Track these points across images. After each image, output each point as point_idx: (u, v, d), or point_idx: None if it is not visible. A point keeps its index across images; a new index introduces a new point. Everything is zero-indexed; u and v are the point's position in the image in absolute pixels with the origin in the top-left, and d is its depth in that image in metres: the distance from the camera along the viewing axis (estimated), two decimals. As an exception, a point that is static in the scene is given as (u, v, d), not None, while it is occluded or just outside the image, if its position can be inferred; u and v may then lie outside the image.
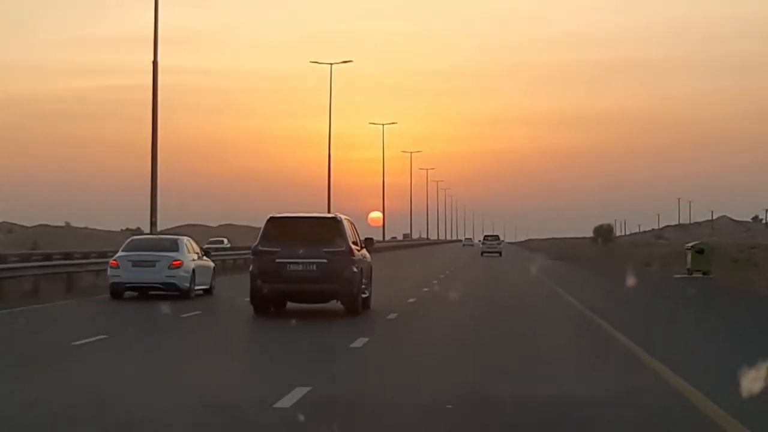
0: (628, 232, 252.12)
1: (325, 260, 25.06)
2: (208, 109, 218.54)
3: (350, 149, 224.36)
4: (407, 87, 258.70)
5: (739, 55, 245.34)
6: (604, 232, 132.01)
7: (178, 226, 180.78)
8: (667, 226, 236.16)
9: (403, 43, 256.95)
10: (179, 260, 32.08)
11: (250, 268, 25.85)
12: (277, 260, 25.03)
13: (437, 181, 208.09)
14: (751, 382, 13.37)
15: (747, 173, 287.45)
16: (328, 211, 69.75)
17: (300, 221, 26.05)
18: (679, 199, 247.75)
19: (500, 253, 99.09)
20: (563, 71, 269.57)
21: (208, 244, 68.85)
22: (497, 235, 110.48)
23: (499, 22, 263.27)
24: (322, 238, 25.34)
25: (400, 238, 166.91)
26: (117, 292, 32.25)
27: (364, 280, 26.34)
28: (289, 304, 26.49)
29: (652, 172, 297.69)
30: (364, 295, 26.45)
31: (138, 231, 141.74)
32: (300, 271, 25.04)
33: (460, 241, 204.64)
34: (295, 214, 26.46)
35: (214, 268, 34.54)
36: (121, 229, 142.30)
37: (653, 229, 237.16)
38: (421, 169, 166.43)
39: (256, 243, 25.74)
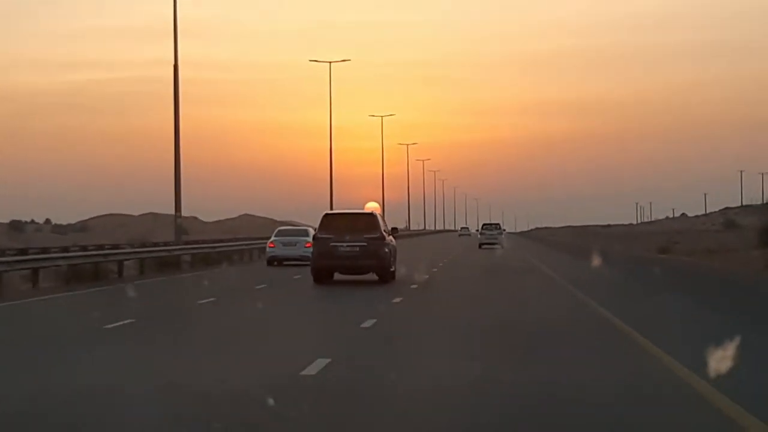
0: (655, 217, 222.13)
1: (365, 243, 35.27)
2: (208, 100, 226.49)
3: (347, 139, 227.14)
4: (402, 78, 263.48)
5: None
6: None
7: (94, 218, 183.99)
8: (727, 208, 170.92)
9: (398, 34, 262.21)
10: (310, 242, 46.24)
11: (312, 250, 36.31)
12: (331, 244, 35.30)
13: (434, 171, 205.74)
14: None
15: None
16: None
17: (346, 216, 36.46)
18: (761, 174, 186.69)
19: (501, 245, 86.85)
20: (560, 59, 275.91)
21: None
22: (497, 224, 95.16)
23: (494, 10, 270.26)
24: (362, 227, 35.59)
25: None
26: (271, 261, 51.37)
27: (392, 258, 36.59)
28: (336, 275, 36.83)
29: (673, 154, 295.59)
30: (392, 269, 36.69)
31: (18, 223, 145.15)
32: (347, 251, 35.30)
33: (456, 231, 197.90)
34: (343, 211, 36.93)
35: None
36: (10, 221, 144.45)
37: (702, 214, 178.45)
38: (418, 160, 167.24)
39: (315, 232, 36.15)
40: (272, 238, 52.73)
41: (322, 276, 35.91)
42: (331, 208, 78.09)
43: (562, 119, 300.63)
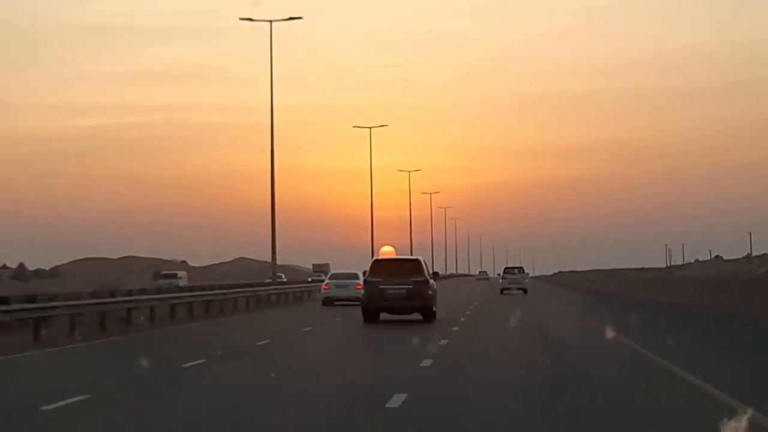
0: (688, 260, 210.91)
1: (411, 286, 38.92)
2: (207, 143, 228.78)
3: (360, 184, 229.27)
4: (412, 119, 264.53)
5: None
6: None
7: (70, 262, 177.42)
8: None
9: (408, 76, 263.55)
10: (360, 284, 50.10)
11: (362, 293, 40.27)
12: (380, 286, 39.08)
13: (444, 208, 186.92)
14: None
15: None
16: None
17: (394, 261, 40.43)
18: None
19: (525, 291, 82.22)
20: (580, 99, 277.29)
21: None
22: (521, 267, 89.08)
23: (505, 53, 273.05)
24: (408, 272, 39.27)
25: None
26: (326, 302, 58.21)
27: (434, 300, 40.21)
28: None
29: (699, 195, 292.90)
30: (434, 309, 40.24)
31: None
32: (395, 293, 39.02)
33: (473, 276, 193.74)
34: (391, 257, 40.93)
35: None
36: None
37: (754, 256, 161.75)
38: (425, 193, 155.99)
39: (366, 276, 40.08)
40: (326, 281, 60.99)
41: (372, 316, 39.53)
42: (273, 251, 69.06)
43: (578, 160, 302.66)
